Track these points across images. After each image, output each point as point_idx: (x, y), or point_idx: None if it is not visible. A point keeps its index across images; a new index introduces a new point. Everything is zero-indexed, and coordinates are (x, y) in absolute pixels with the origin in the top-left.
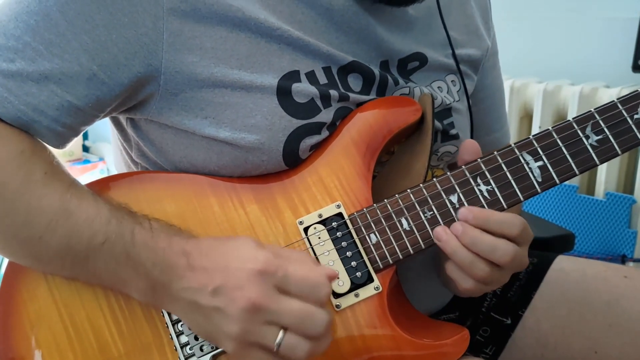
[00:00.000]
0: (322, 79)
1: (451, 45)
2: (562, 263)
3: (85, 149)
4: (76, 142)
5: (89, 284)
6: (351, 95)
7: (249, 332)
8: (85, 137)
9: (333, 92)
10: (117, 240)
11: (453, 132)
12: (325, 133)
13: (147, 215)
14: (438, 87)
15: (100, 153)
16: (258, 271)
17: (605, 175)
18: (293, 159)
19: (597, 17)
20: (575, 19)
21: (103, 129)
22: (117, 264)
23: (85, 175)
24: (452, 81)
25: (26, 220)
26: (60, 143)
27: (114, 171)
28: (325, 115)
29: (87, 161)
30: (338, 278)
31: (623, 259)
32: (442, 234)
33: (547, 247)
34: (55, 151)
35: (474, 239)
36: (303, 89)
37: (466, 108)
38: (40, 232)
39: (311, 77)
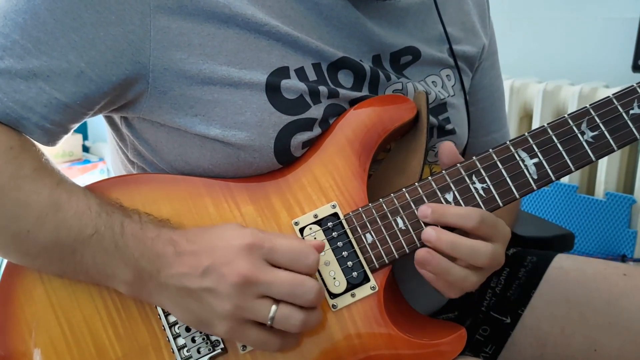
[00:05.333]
0: (312, 75)
1: (449, 41)
2: (562, 261)
3: (85, 149)
4: (76, 142)
5: (85, 286)
6: (341, 91)
7: (241, 309)
8: (85, 137)
9: (322, 89)
10: (106, 232)
11: (449, 127)
12: (317, 130)
13: (137, 210)
14: (432, 82)
15: (100, 153)
16: (246, 245)
17: (605, 175)
18: (285, 156)
19: (597, 17)
20: (575, 19)
21: (103, 129)
22: (105, 255)
23: (85, 175)
24: (447, 76)
25: (14, 214)
26: (50, 140)
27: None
28: (315, 112)
29: (87, 161)
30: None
31: (623, 259)
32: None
33: (547, 246)
34: (55, 152)
35: (453, 243)
36: (292, 85)
37: (462, 103)
38: (28, 226)
39: (300, 73)
